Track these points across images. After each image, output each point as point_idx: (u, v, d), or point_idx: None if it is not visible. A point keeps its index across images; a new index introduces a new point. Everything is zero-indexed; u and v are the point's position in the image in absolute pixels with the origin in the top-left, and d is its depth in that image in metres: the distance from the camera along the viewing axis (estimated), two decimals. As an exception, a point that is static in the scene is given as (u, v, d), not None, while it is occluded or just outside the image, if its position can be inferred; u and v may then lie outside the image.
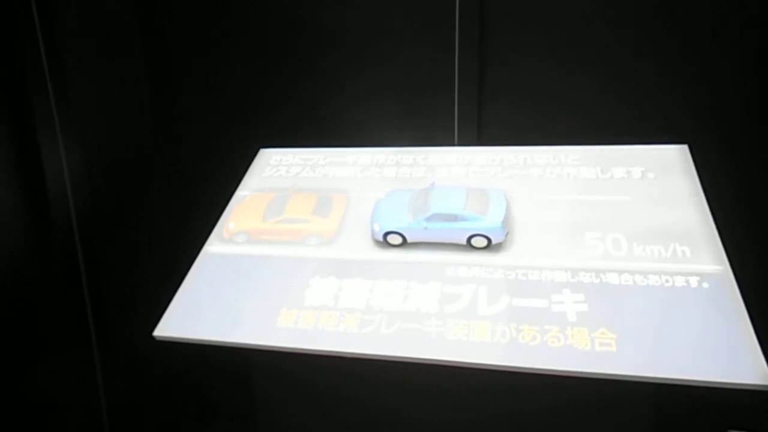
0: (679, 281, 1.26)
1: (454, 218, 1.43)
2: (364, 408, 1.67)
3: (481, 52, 1.87)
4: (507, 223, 1.44)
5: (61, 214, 2.09)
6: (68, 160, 2.07)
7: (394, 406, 1.65)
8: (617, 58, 1.79)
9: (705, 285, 1.24)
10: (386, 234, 1.48)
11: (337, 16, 1.99)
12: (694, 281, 1.25)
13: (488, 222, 1.42)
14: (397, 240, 1.48)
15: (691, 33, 1.72)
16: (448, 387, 1.48)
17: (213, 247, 1.59)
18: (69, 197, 2.09)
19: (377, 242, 1.50)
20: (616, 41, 1.78)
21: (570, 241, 1.41)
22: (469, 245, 1.43)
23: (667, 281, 1.26)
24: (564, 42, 1.81)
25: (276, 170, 1.83)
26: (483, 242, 1.42)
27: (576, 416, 1.50)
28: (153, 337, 1.39)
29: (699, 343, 1.13)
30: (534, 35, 1.83)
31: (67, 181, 2.08)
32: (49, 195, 2.05)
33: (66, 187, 2.08)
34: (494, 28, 1.85)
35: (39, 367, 2.09)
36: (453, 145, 1.96)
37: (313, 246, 1.53)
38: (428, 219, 1.44)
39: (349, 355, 1.25)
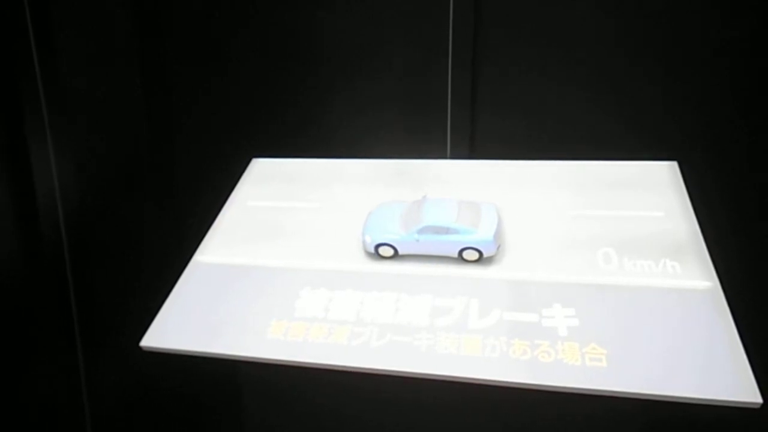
0: (669, 297, 1.26)
1: (445, 231, 1.43)
2: (353, 420, 1.66)
3: (474, 67, 1.89)
4: (498, 236, 1.44)
5: (51, 223, 2.08)
6: (58, 169, 2.05)
7: (384, 419, 1.64)
8: (609, 75, 1.81)
9: (695, 301, 1.24)
10: (378, 246, 1.47)
11: (330, 30, 2.00)
12: (683, 297, 1.26)
13: (480, 235, 1.41)
14: (389, 252, 1.47)
15: (682, 50, 1.75)
16: (438, 400, 1.47)
17: (203, 257, 1.58)
18: (59, 206, 2.07)
19: (369, 254, 1.49)
20: (608, 58, 1.80)
21: (561, 254, 1.41)
22: (460, 258, 1.43)
23: (657, 296, 1.26)
24: (556, 58, 1.83)
25: (268, 180, 1.82)
26: (474, 255, 1.42)
27: (567, 429, 1.49)
28: (140, 348, 1.37)
29: (688, 359, 1.13)
30: (527, 51, 1.84)
31: (57, 190, 2.06)
32: (39, 203, 2.03)
33: (56, 196, 2.07)
34: (487, 43, 1.87)
35: (24, 377, 2.06)
36: (445, 158, 1.97)
37: (306, 257, 1.52)
38: (420, 231, 1.44)
39: (338, 368, 1.24)
